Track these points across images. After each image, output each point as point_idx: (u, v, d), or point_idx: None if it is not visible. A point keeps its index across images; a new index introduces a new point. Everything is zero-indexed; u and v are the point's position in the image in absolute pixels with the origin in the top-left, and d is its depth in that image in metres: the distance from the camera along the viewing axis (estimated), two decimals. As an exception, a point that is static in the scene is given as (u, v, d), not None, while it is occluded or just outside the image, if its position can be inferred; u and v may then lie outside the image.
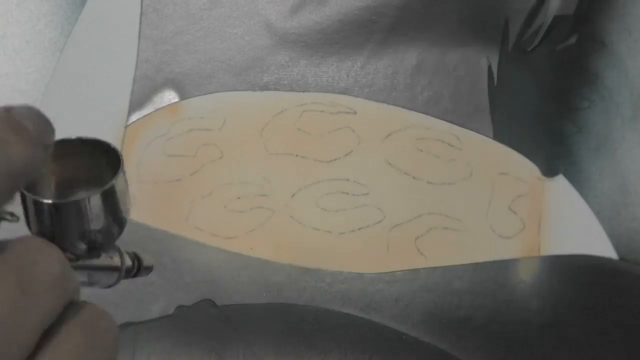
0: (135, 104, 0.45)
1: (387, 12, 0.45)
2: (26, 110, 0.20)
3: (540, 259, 0.42)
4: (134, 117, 0.45)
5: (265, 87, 0.45)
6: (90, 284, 0.26)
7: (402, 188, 0.43)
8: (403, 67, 0.45)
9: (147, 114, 0.45)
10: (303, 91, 0.45)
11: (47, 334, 0.19)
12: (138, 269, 0.30)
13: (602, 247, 0.42)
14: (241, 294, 0.42)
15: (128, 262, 0.29)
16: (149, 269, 0.31)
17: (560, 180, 0.43)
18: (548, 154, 0.43)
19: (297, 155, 0.44)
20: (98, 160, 0.25)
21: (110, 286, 0.28)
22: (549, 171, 0.43)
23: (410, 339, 0.41)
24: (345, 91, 0.45)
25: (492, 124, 0.44)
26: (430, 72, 0.45)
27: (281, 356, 0.41)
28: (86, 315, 0.21)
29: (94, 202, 0.23)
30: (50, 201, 0.22)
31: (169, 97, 0.46)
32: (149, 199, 0.44)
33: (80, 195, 0.23)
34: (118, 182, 0.23)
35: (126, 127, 0.45)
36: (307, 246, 0.43)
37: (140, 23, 0.46)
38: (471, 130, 0.44)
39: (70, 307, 0.20)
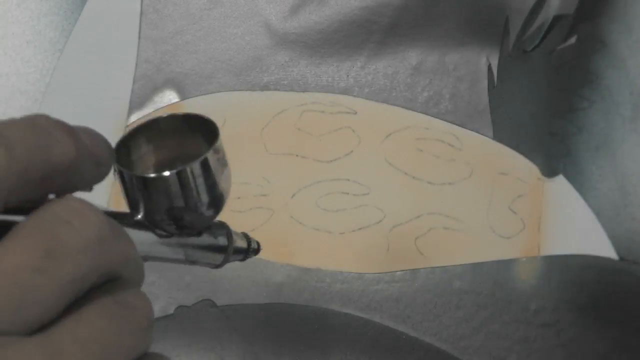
0: (135, 104, 0.45)
1: (386, 12, 0.45)
2: (84, 128, 0.20)
3: (540, 259, 0.42)
4: (134, 117, 0.45)
5: (265, 87, 0.45)
6: (190, 262, 0.25)
7: (402, 188, 0.43)
8: (403, 67, 0.45)
9: (147, 114, 0.45)
10: (303, 91, 0.45)
11: (76, 305, 0.18)
12: (247, 251, 0.29)
13: (602, 247, 0.42)
14: (241, 294, 0.42)
15: (238, 243, 0.28)
16: (257, 251, 0.30)
17: (560, 180, 0.43)
18: (548, 154, 0.43)
19: (297, 155, 0.44)
20: (195, 136, 0.24)
21: (216, 266, 0.27)
22: (549, 171, 0.43)
23: (410, 339, 0.41)
24: (345, 91, 0.45)
25: (492, 124, 0.44)
26: (430, 72, 0.45)
27: (281, 356, 0.41)
28: (124, 295, 0.19)
29: (183, 177, 0.22)
30: (138, 175, 0.22)
31: (169, 97, 0.46)
32: (149, 199, 0.44)
33: (171, 170, 0.22)
34: (209, 158, 0.22)
35: (126, 127, 0.45)
36: (307, 246, 0.43)
37: (140, 23, 0.46)
38: (471, 130, 0.44)
39: (110, 282, 0.19)
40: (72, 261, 0.17)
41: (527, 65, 0.45)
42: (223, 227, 0.27)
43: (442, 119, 0.44)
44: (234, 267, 0.43)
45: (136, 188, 0.22)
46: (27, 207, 0.18)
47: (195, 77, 0.46)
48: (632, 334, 0.40)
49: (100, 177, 0.21)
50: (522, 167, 0.43)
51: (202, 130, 0.23)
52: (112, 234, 0.19)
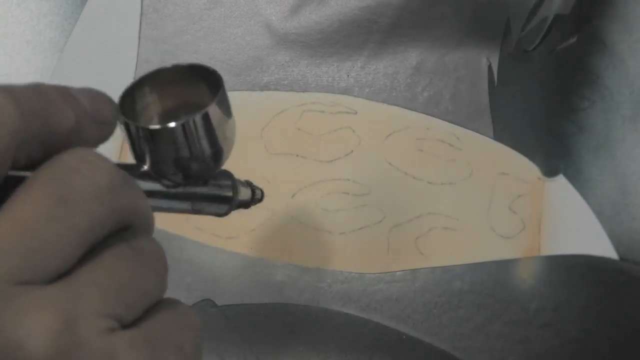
0: (136, 104, 0.45)
1: (387, 12, 0.45)
2: (85, 89, 0.21)
3: (540, 259, 0.42)
4: (134, 117, 0.45)
5: (265, 87, 0.45)
6: (195, 211, 0.25)
7: (402, 188, 0.43)
8: (403, 67, 0.45)
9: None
10: (303, 91, 0.45)
11: (93, 252, 0.18)
12: (251, 199, 0.29)
13: (602, 247, 0.42)
14: (241, 294, 0.42)
15: (243, 191, 0.28)
16: (261, 199, 0.30)
17: (560, 180, 0.43)
18: (548, 154, 0.43)
19: (297, 155, 0.44)
20: (199, 86, 0.24)
21: (220, 215, 0.27)
22: (549, 171, 0.43)
23: (410, 339, 0.41)
24: (345, 91, 0.45)
25: (492, 124, 0.44)
26: (431, 72, 0.45)
27: (281, 356, 0.41)
28: (137, 241, 0.20)
29: (188, 127, 0.22)
30: (144, 126, 0.22)
31: (169, 97, 0.46)
32: (149, 199, 0.44)
33: (177, 120, 0.22)
34: (214, 108, 0.22)
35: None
36: (307, 246, 0.43)
37: (140, 23, 0.46)
38: (471, 130, 0.44)
39: (125, 231, 0.19)
40: (86, 208, 0.18)
41: (527, 65, 0.45)
42: (228, 176, 0.28)
43: (442, 119, 0.44)
44: (234, 267, 0.43)
45: (142, 139, 0.22)
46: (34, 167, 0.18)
47: (195, 77, 0.46)
48: (632, 334, 0.40)
49: (105, 137, 0.21)
50: (522, 167, 0.43)
51: (206, 80, 0.24)
52: (122, 182, 0.19)
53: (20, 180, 0.18)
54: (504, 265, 0.42)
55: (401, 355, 0.41)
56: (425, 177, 0.43)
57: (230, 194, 0.27)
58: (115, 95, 0.23)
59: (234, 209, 0.28)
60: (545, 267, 0.42)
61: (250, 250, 0.43)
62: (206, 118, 0.22)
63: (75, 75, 0.46)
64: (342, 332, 0.41)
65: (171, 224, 0.44)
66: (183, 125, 0.22)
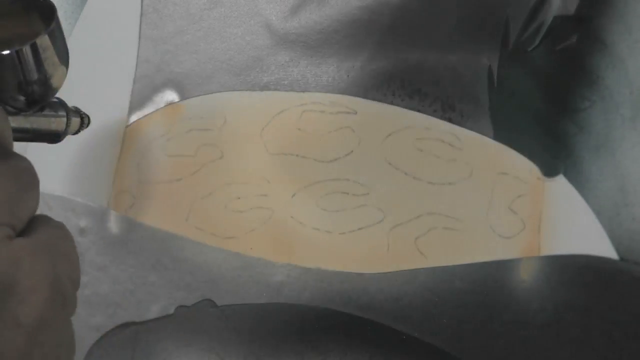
0: (136, 104, 0.45)
1: (387, 12, 0.45)
2: None
3: (540, 259, 0.42)
4: (134, 117, 0.45)
5: (265, 87, 0.45)
6: (34, 138, 0.28)
7: (402, 188, 0.43)
8: (403, 67, 0.45)
9: (147, 114, 0.45)
10: (303, 91, 0.45)
11: None
12: (81, 124, 0.32)
13: (602, 247, 0.42)
14: (241, 294, 0.42)
15: (74, 117, 0.30)
16: (88, 123, 0.33)
17: (560, 180, 0.43)
18: (548, 154, 0.43)
19: (297, 155, 0.44)
20: (32, 16, 0.25)
21: (55, 142, 0.30)
22: (549, 171, 0.43)
23: (410, 339, 0.41)
24: (345, 91, 0.45)
25: (492, 124, 0.44)
26: (431, 72, 0.45)
27: (281, 356, 0.41)
28: (11, 159, 0.21)
29: (26, 53, 0.24)
30: None
31: (169, 97, 0.46)
32: (149, 199, 0.44)
33: (16, 47, 0.24)
34: (50, 35, 0.24)
35: (126, 127, 0.45)
36: (307, 246, 0.43)
37: (140, 23, 0.46)
38: (471, 130, 0.44)
39: None
40: None
41: (527, 66, 0.44)
42: (60, 103, 0.30)
43: (442, 119, 0.44)
44: (234, 267, 0.43)
45: None
46: None
47: (195, 77, 0.46)
48: (632, 334, 0.40)
49: None
50: (522, 167, 0.43)
51: (39, 11, 0.26)
52: None
53: None
54: (504, 265, 0.42)
55: (401, 355, 0.41)
56: (425, 177, 0.43)
57: (64, 120, 0.29)
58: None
59: (67, 134, 0.30)
60: (545, 267, 0.42)
61: (250, 250, 0.43)
62: (42, 43, 0.24)
63: (75, 75, 0.46)
64: (342, 332, 0.41)
65: (171, 224, 0.44)
66: (21, 51, 0.24)
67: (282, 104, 0.45)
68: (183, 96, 0.45)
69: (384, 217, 0.43)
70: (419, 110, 0.44)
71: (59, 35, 0.25)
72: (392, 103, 0.45)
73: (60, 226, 0.23)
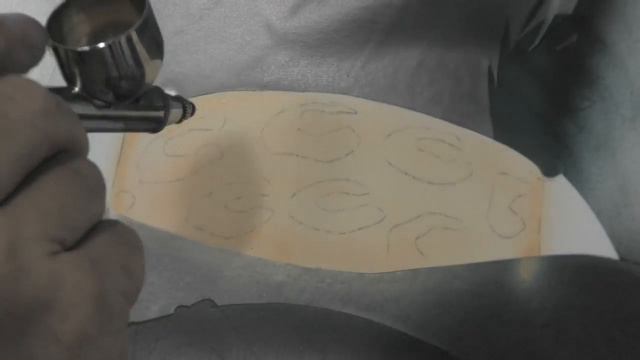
0: (135, 104, 0.45)
1: (387, 12, 0.45)
2: (14, 15, 0.20)
3: (540, 259, 0.42)
4: (134, 117, 0.45)
5: (265, 87, 0.45)
6: (129, 129, 0.26)
7: (402, 188, 0.43)
8: (403, 67, 0.45)
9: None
10: (303, 91, 0.45)
11: (31, 178, 0.19)
12: (183, 114, 0.30)
13: (602, 247, 0.42)
14: (241, 294, 0.42)
15: (175, 106, 0.29)
16: (193, 112, 0.31)
17: (560, 180, 0.43)
18: (548, 154, 0.43)
19: (297, 155, 0.44)
20: (124, 4, 0.24)
21: (155, 131, 0.28)
22: (549, 171, 0.43)
23: (410, 339, 0.41)
24: (345, 91, 0.45)
25: (492, 124, 0.44)
26: (431, 72, 0.45)
27: (281, 356, 0.41)
28: (74, 163, 0.20)
29: (115, 48, 0.22)
30: (72, 49, 0.22)
31: (169, 97, 0.46)
32: (149, 199, 0.44)
33: (105, 41, 0.22)
34: (139, 28, 0.23)
35: (126, 127, 0.45)
36: (307, 246, 0.43)
37: (141, 23, 0.46)
38: (471, 130, 0.44)
39: (60, 155, 0.20)
40: (21, 135, 0.18)
41: (527, 65, 0.45)
42: (159, 93, 0.28)
43: (442, 119, 0.44)
44: (234, 267, 0.43)
45: (71, 61, 0.23)
46: None
47: (195, 77, 0.46)
48: (632, 334, 0.40)
49: (35, 61, 0.21)
50: (522, 167, 0.43)
51: None
52: (56, 106, 0.19)
53: None
54: (504, 265, 0.42)
55: (401, 355, 0.41)
56: (425, 177, 0.43)
57: (162, 110, 0.28)
58: None
59: (167, 124, 0.29)
60: (545, 267, 0.42)
61: (250, 250, 0.43)
62: (133, 37, 0.23)
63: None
64: (342, 332, 0.41)
65: (171, 224, 0.44)
66: (110, 46, 0.22)
67: (282, 104, 0.45)
68: (183, 96, 0.45)
69: (384, 217, 0.43)
70: (419, 110, 0.44)
71: (153, 24, 0.24)
72: (392, 103, 0.45)
73: (122, 233, 0.22)
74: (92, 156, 0.21)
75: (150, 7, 0.23)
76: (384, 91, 0.45)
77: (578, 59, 0.44)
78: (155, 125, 0.28)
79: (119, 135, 0.45)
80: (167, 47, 0.46)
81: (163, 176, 0.45)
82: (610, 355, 0.40)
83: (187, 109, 0.31)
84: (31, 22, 0.21)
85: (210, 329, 0.42)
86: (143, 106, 0.26)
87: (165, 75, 0.46)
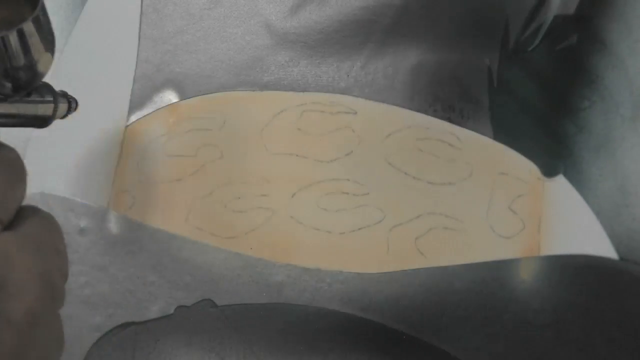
0: (135, 104, 0.45)
1: (387, 12, 0.45)
2: None
3: (540, 259, 0.42)
4: (134, 117, 0.45)
5: (265, 87, 0.45)
6: (22, 124, 0.27)
7: (402, 188, 0.43)
8: (403, 67, 0.45)
9: (147, 114, 0.45)
10: (303, 91, 0.45)
11: None
12: (69, 108, 0.32)
13: (602, 247, 0.42)
14: (241, 294, 0.42)
15: (62, 101, 0.30)
16: (76, 107, 0.33)
17: (560, 180, 0.43)
18: (548, 154, 0.43)
19: (297, 155, 0.44)
20: (18, 1, 0.25)
21: (43, 126, 0.29)
22: (549, 171, 0.43)
23: (410, 339, 0.41)
24: (345, 91, 0.45)
25: (492, 124, 0.44)
26: (431, 72, 0.45)
27: (281, 356, 0.41)
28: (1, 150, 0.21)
29: (12, 39, 0.23)
30: None
31: (169, 97, 0.46)
32: (149, 199, 0.44)
33: (1, 32, 0.23)
34: (35, 20, 0.24)
35: (126, 127, 0.45)
36: (307, 246, 0.43)
37: (140, 23, 0.46)
38: (471, 130, 0.44)
39: None
40: None
41: (527, 65, 0.44)
42: (48, 87, 0.29)
43: (442, 119, 0.44)
44: (233, 267, 0.43)
45: None
46: None
47: (195, 77, 0.46)
48: (632, 334, 0.40)
49: None
50: (522, 167, 0.43)
51: None
52: None
53: None
54: (504, 265, 0.42)
55: (401, 355, 0.41)
56: (425, 177, 0.43)
57: (51, 104, 0.29)
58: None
59: (55, 118, 0.30)
60: (545, 267, 0.42)
61: (250, 250, 0.43)
62: (28, 28, 0.24)
63: (75, 75, 0.46)
64: (342, 332, 0.41)
65: (171, 224, 0.44)
66: (6, 36, 0.23)
67: (282, 104, 0.45)
68: (183, 96, 0.45)
69: (384, 217, 0.43)
70: (419, 110, 0.44)
71: (45, 20, 0.25)
72: (392, 103, 0.45)
73: (47, 217, 0.22)
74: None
75: (43, 3, 0.25)
76: (384, 91, 0.45)
77: (578, 59, 0.44)
78: (44, 120, 0.29)
79: (119, 135, 0.45)
80: (167, 47, 0.46)
81: (163, 176, 0.45)
82: (610, 355, 0.40)
83: (72, 104, 0.32)
84: None
85: (210, 329, 0.42)
86: (35, 100, 0.28)
87: (165, 75, 0.46)
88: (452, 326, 0.41)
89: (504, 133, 0.44)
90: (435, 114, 0.44)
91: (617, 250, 0.41)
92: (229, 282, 0.42)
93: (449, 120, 0.44)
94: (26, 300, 0.19)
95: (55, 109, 0.29)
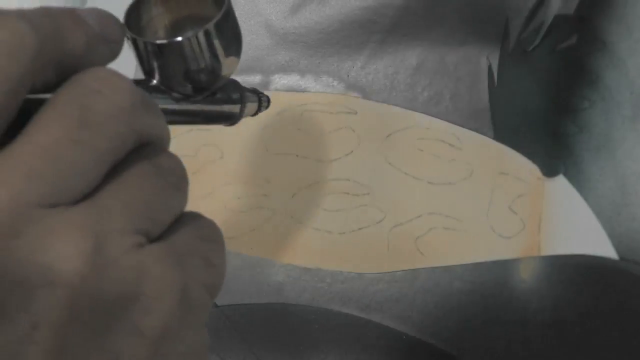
0: (136, 104, 0.45)
1: (387, 12, 0.45)
2: (91, 10, 0.20)
3: (540, 259, 0.42)
4: (134, 117, 0.45)
5: (265, 87, 0.45)
6: (206, 121, 0.26)
7: (402, 188, 0.43)
8: (403, 67, 0.45)
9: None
10: (303, 91, 0.45)
11: (115, 171, 0.18)
12: (259, 107, 0.30)
13: (602, 247, 0.42)
14: (241, 294, 0.42)
15: (251, 99, 0.29)
16: (268, 105, 0.31)
17: (560, 180, 0.43)
18: (548, 154, 0.43)
19: (297, 155, 0.44)
20: None
21: (231, 124, 0.28)
22: (549, 171, 0.43)
23: (410, 339, 0.41)
24: (345, 91, 0.45)
25: (492, 124, 0.44)
26: (431, 72, 0.45)
27: (281, 356, 0.41)
28: (158, 158, 0.20)
29: (195, 41, 0.22)
30: (151, 41, 0.22)
31: (169, 97, 0.46)
32: (149, 199, 0.44)
33: (185, 34, 0.22)
34: (220, 22, 0.23)
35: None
36: (307, 246, 0.43)
37: (141, 23, 0.46)
38: (471, 130, 0.44)
39: (144, 147, 0.20)
40: (108, 129, 0.18)
41: (527, 65, 0.45)
42: (235, 85, 0.28)
43: (442, 119, 0.44)
44: (234, 267, 0.43)
45: (150, 54, 0.23)
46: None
47: (195, 77, 0.46)
48: (632, 334, 0.40)
49: (113, 56, 0.21)
50: (522, 167, 0.43)
51: None
52: (142, 100, 0.19)
53: (39, 104, 0.18)
54: (504, 265, 0.42)
55: (401, 355, 0.41)
56: (425, 177, 0.43)
57: (238, 103, 0.28)
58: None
59: (243, 116, 0.28)
60: (545, 267, 0.42)
61: (250, 250, 0.43)
62: (212, 31, 0.23)
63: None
64: (342, 332, 0.41)
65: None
66: (189, 39, 0.22)
67: (282, 104, 0.45)
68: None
69: (384, 217, 0.43)
70: (419, 110, 0.44)
71: (232, 20, 0.24)
72: (392, 103, 0.45)
73: (206, 225, 0.21)
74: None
75: (230, 1, 0.23)
76: (384, 91, 0.45)
77: (578, 59, 0.44)
78: (231, 119, 0.28)
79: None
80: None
81: (163, 176, 0.45)
82: (610, 355, 0.40)
83: (263, 102, 0.31)
84: (109, 17, 0.21)
85: (210, 329, 0.42)
86: (220, 99, 0.26)
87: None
88: (452, 326, 0.41)
89: (504, 133, 0.44)
90: (435, 114, 0.44)
91: (617, 250, 0.41)
92: (229, 282, 0.42)
93: (449, 120, 0.44)
94: (160, 314, 0.18)
95: (242, 108, 0.28)
